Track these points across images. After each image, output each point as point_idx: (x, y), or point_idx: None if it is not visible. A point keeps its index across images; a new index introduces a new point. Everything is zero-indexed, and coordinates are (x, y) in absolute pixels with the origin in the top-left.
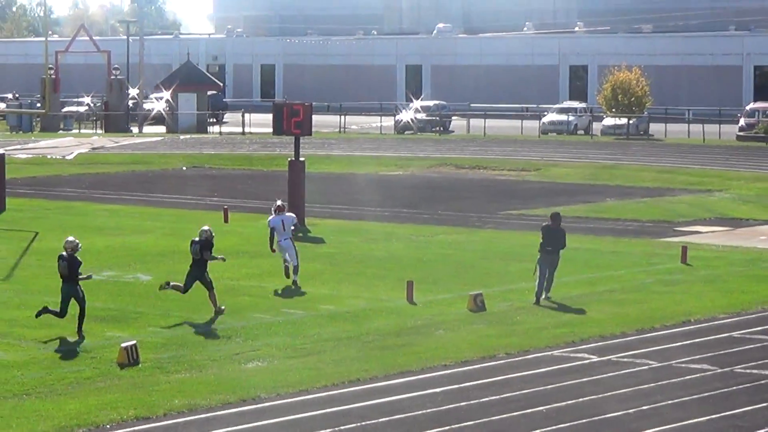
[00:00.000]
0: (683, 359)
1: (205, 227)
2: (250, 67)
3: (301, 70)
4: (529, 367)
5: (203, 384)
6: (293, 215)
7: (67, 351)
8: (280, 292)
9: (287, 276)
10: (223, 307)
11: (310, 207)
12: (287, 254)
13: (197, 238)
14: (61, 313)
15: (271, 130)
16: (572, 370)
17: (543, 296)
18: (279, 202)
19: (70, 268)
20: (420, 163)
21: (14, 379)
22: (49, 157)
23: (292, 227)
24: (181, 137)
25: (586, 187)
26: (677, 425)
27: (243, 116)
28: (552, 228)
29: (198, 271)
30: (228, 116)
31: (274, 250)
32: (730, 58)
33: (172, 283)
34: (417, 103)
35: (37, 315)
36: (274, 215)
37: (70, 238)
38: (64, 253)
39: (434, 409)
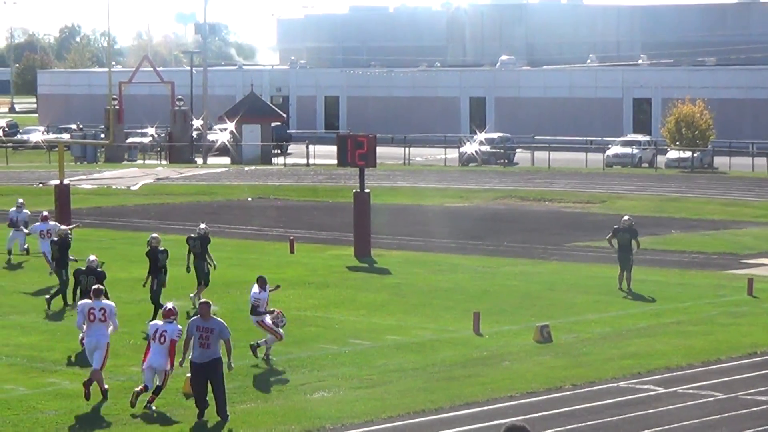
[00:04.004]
0: (749, 391)
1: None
2: (314, 98)
3: (364, 101)
4: (595, 398)
5: (269, 414)
6: None
7: (134, 381)
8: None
9: None
10: None
11: (375, 238)
12: None
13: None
14: None
15: (335, 161)
16: (638, 401)
17: None
18: None
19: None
20: (485, 194)
21: (79, 408)
22: (114, 187)
23: None
24: (246, 168)
25: (652, 219)
26: None
27: (307, 148)
28: None
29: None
30: (292, 148)
31: None
32: None
33: None
34: (481, 136)
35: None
36: None
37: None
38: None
39: None
